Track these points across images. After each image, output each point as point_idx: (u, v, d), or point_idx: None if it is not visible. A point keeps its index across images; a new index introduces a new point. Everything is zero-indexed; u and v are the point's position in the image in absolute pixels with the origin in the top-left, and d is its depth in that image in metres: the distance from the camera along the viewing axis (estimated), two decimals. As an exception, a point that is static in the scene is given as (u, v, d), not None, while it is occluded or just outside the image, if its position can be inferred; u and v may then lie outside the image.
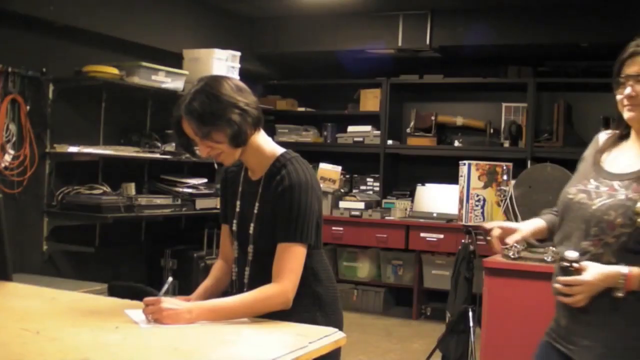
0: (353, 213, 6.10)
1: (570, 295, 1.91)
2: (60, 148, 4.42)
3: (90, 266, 4.70)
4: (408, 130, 6.45)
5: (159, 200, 4.83)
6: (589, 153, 2.11)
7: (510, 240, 2.14)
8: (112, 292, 3.35)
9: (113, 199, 4.47)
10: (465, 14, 5.74)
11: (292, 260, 1.99)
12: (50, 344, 1.67)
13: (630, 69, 1.92)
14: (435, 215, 5.98)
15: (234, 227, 2.17)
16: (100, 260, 4.79)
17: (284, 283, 1.97)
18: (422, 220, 5.97)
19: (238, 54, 5.50)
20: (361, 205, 6.13)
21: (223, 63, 5.33)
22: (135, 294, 2.32)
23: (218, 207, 2.31)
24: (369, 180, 6.60)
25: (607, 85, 1.98)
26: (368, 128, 6.48)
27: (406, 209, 6.24)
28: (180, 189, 5.06)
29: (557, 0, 5.30)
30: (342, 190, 6.39)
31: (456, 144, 6.32)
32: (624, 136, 2.04)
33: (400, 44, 5.93)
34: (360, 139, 6.51)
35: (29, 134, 4.27)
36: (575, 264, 1.89)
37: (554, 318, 2.09)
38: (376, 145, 6.43)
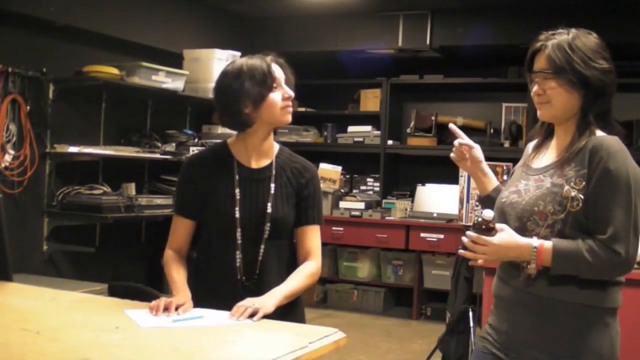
0: (353, 213, 6.10)
1: (473, 252, 1.88)
2: (61, 148, 4.42)
3: (90, 266, 4.70)
4: (408, 130, 6.45)
5: (159, 200, 4.83)
6: (519, 164, 2.09)
7: (461, 141, 2.22)
8: (112, 292, 3.35)
9: (113, 199, 4.47)
10: (465, 14, 5.74)
11: (319, 240, 2.24)
12: (50, 344, 1.67)
13: (537, 64, 1.93)
14: (435, 215, 5.98)
15: (237, 214, 2.17)
16: (100, 260, 4.79)
17: (318, 261, 2.21)
18: (422, 220, 5.96)
19: (238, 54, 5.49)
20: (361, 205, 6.13)
21: (223, 63, 5.32)
22: (135, 294, 2.32)
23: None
24: (369, 180, 6.60)
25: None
26: (368, 128, 6.47)
27: (406, 209, 6.24)
28: (181, 189, 5.05)
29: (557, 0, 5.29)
30: (342, 191, 6.39)
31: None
32: (548, 135, 2.02)
33: (400, 44, 5.93)
34: (361, 139, 6.50)
35: (29, 134, 4.27)
36: (490, 224, 1.84)
37: (490, 323, 2.00)
38: (376, 146, 6.43)
